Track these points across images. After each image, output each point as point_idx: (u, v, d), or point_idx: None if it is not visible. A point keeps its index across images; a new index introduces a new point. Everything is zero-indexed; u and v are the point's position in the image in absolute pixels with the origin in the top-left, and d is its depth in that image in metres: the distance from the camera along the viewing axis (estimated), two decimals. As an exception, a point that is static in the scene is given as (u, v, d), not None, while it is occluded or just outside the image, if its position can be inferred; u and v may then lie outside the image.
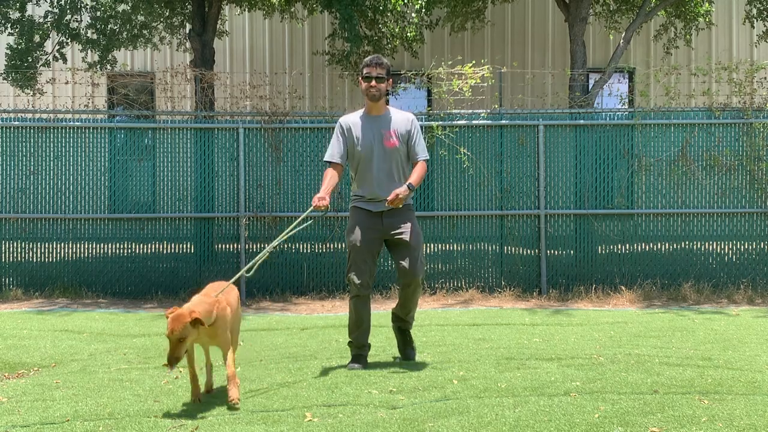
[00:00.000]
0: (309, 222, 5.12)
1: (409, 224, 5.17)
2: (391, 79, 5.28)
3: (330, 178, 5.20)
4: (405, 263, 5.12)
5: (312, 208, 5.05)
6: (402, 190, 5.04)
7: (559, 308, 8.26)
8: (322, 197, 5.04)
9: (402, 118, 5.28)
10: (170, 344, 4.01)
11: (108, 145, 9.33)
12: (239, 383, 4.31)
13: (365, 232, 5.15)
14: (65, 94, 9.97)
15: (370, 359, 5.30)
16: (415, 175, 5.17)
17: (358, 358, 5.20)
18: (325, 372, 5.02)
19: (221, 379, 4.67)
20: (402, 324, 5.43)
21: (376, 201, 5.17)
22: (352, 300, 5.21)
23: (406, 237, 5.13)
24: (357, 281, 5.11)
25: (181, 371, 5.15)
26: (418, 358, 5.42)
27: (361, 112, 5.35)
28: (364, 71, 5.19)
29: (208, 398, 4.40)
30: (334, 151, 5.27)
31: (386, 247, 5.29)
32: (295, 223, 5.16)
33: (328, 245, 9.23)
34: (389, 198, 5.02)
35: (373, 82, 5.14)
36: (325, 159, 5.34)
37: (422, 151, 5.27)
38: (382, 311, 8.02)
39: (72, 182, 9.27)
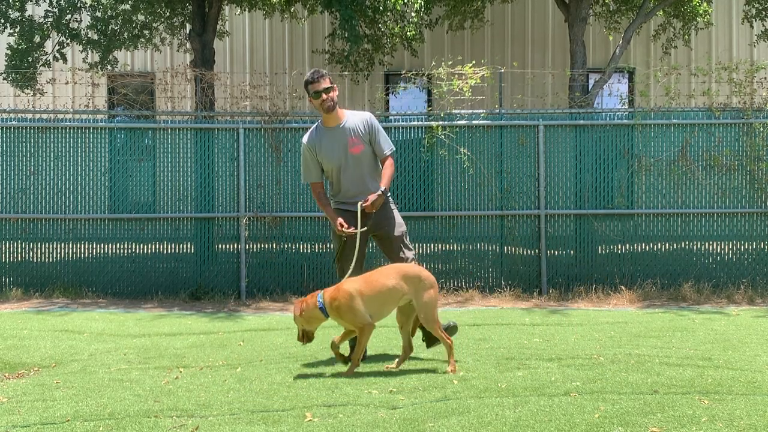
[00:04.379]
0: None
1: (388, 217, 5.40)
2: (336, 86, 5.38)
3: (323, 198, 5.48)
4: (391, 255, 5.43)
5: (348, 233, 5.25)
6: (373, 197, 5.23)
7: (559, 308, 8.26)
8: (342, 225, 5.22)
9: (358, 119, 5.40)
10: None
11: (108, 146, 9.33)
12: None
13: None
14: (65, 95, 9.97)
15: (370, 359, 5.38)
16: (385, 178, 5.36)
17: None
18: (325, 372, 5.02)
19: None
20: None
21: (354, 203, 5.35)
22: None
23: (389, 231, 5.39)
24: (342, 270, 5.35)
25: (181, 371, 5.15)
26: (419, 358, 5.43)
27: (317, 127, 5.45)
28: (310, 89, 5.27)
29: (208, 398, 4.40)
30: (309, 173, 5.48)
31: (373, 240, 5.58)
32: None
33: (328, 245, 9.22)
34: (364, 205, 5.22)
35: (323, 95, 5.25)
36: (303, 181, 5.60)
37: (386, 146, 5.40)
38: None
39: (72, 182, 9.27)
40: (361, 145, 5.33)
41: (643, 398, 4.23)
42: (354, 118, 5.39)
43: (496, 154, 9.27)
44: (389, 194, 5.53)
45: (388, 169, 5.38)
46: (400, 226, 5.44)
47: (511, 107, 9.88)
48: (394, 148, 5.48)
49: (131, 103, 10.04)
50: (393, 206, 5.51)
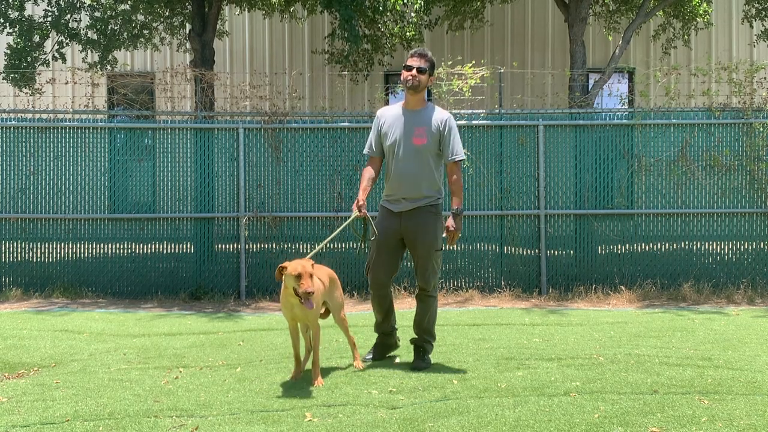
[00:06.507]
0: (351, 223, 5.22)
1: (423, 231, 5.07)
2: (434, 76, 5.15)
3: (367, 176, 5.20)
4: (416, 270, 5.20)
5: (353, 216, 5.12)
6: (450, 224, 5.02)
7: (559, 308, 8.26)
8: (358, 202, 5.09)
9: (436, 114, 5.10)
10: None
11: (108, 145, 9.33)
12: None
13: (385, 231, 5.15)
14: (65, 95, 9.98)
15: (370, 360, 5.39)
16: (456, 197, 5.07)
17: (375, 348, 5.44)
18: (325, 372, 5.02)
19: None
20: (416, 340, 5.29)
21: (397, 201, 5.12)
22: (371, 294, 5.33)
23: (417, 245, 5.11)
24: (372, 278, 5.21)
25: (181, 371, 5.15)
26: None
27: (400, 104, 5.23)
28: (407, 61, 5.07)
29: (208, 398, 4.40)
30: (369, 142, 5.26)
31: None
32: (337, 230, 5.42)
33: (328, 245, 9.22)
34: (448, 234, 5.03)
35: (414, 71, 5.02)
36: (365, 151, 5.32)
37: (457, 151, 5.07)
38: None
39: (72, 182, 9.27)
40: (425, 139, 5.00)
41: (642, 398, 4.23)
42: (433, 112, 5.10)
43: (496, 154, 9.27)
44: (440, 202, 5.14)
45: (456, 185, 5.06)
46: (431, 246, 5.08)
47: (511, 107, 9.87)
48: (465, 158, 5.13)
49: (131, 103, 10.04)
50: (438, 219, 5.14)
